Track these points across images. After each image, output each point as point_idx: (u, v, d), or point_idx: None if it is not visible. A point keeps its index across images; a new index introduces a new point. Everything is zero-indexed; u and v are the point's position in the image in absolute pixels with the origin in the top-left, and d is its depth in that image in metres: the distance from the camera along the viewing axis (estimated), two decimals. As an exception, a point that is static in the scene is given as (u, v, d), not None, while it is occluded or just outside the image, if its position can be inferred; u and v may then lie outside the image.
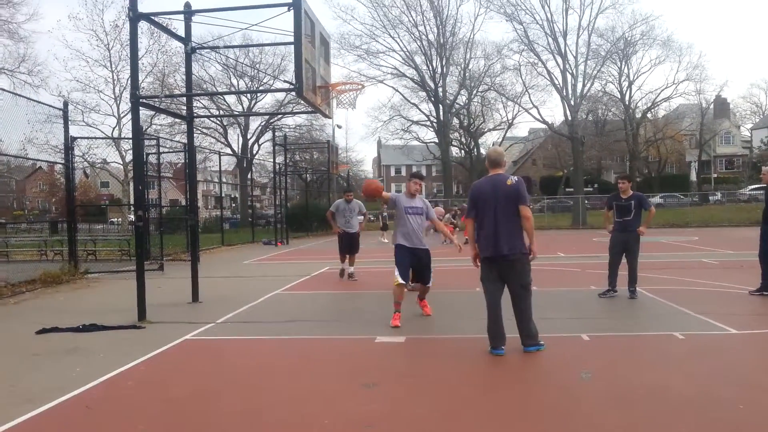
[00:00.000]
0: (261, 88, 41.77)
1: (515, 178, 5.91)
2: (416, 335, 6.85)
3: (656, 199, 46.00)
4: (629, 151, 53.19)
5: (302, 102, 9.38)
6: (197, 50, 10.61)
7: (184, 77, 10.12)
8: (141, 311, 7.96)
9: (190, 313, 8.65)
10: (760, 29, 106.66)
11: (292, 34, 8.11)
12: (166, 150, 25.05)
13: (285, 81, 27.08)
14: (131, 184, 20.45)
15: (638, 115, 51.37)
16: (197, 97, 39.96)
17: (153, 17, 9.01)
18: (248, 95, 45.07)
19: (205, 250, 20.42)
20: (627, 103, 50.44)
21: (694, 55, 73.12)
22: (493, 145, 56.96)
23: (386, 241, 23.74)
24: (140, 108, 8.84)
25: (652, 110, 51.99)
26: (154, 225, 17.20)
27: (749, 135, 67.62)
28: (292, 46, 8.20)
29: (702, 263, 13.74)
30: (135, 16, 8.36)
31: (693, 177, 59.46)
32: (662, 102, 51.12)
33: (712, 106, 59.13)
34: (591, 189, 52.10)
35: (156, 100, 9.72)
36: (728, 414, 4.17)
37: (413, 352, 6.24)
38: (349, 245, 11.79)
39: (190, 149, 9.95)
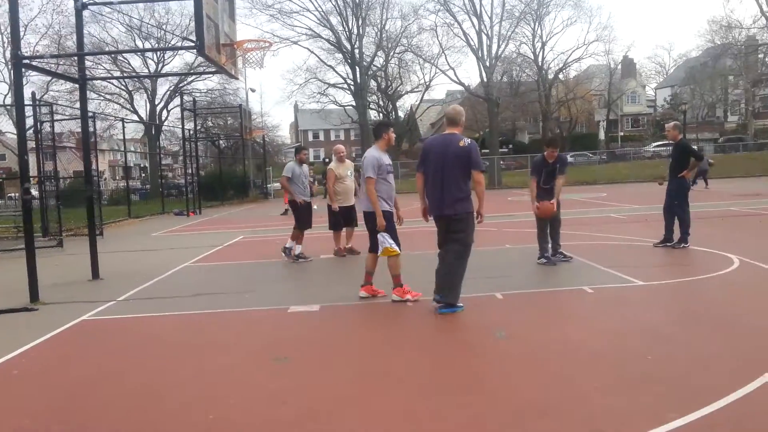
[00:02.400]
0: (162, 47, 39.51)
1: (468, 140, 5.79)
2: (331, 302, 6.64)
3: (567, 158, 47.44)
4: (542, 112, 54.45)
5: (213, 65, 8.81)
6: (88, 6, 9.78)
7: (84, 39, 9.28)
8: (33, 292, 7.33)
9: (89, 291, 8.07)
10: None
11: (191, -14, 7.54)
12: (66, 117, 23.52)
13: (186, 38, 25.67)
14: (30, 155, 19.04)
15: (551, 76, 52.53)
16: (98, 61, 37.61)
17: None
18: (155, 58, 42.70)
19: (111, 222, 19.36)
20: (540, 64, 51.40)
21: (604, 16, 75.33)
22: (411, 108, 57.02)
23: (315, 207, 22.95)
24: (30, 72, 8.06)
25: (564, 71, 53.19)
26: (54, 198, 16.07)
27: (653, 94, 70.85)
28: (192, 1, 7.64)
29: (610, 218, 14.23)
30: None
31: (601, 136, 61.76)
32: (573, 63, 52.34)
33: (619, 67, 61.29)
34: (506, 150, 53.19)
35: (42, 60, 8.87)
36: (638, 366, 4.21)
37: (327, 321, 6.02)
38: (310, 217, 9.99)
39: (83, 115, 9.20)
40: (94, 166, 21.12)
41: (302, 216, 9.71)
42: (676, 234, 9.15)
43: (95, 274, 8.89)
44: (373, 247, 6.49)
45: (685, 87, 57.23)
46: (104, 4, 11.13)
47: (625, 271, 7.44)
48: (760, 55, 43.43)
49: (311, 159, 76.09)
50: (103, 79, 36.08)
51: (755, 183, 25.06)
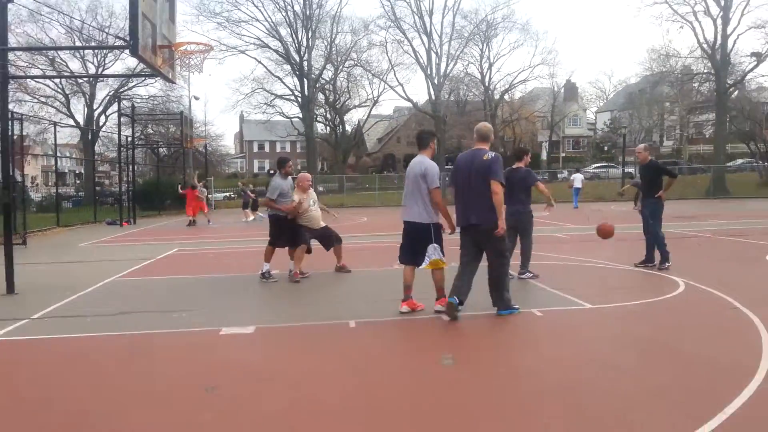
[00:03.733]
0: (93, 45, 38.03)
1: (492, 154, 6.06)
2: (267, 324, 6.20)
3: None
4: (487, 131, 55.08)
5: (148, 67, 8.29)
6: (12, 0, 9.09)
7: (20, 38, 8.58)
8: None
9: (0, 307, 7.34)
10: (607, 19, 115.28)
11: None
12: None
13: (119, 38, 24.71)
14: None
15: (497, 96, 53.39)
16: (34, 62, 35.90)
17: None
18: (95, 62, 41.20)
19: (37, 231, 18.26)
20: (487, 84, 52.23)
21: (550, 40, 77.52)
22: (358, 122, 56.95)
23: (252, 219, 22.61)
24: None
25: (510, 92, 54.27)
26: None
27: (594, 118, 73.02)
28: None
29: (555, 237, 14.21)
30: None
31: (544, 156, 63.10)
32: (519, 84, 53.52)
33: (562, 90, 62.98)
34: (452, 167, 53.58)
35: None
36: (591, 398, 3.98)
37: (262, 345, 5.59)
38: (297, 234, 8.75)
39: (2, 115, 8.47)
40: (23, 171, 19.96)
41: (284, 233, 8.72)
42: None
43: (10, 288, 8.13)
44: (407, 259, 6.38)
45: (624, 112, 59.16)
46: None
47: (573, 293, 7.28)
48: (695, 84, 45.15)
49: (255, 170, 75.08)
50: (28, 78, 34.27)
51: (690, 205, 25.81)
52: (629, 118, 57.02)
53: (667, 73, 46.08)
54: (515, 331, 5.87)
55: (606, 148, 65.83)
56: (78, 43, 38.65)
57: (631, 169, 38.91)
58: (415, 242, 6.31)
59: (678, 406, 3.82)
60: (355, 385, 4.38)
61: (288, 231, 8.70)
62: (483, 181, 5.97)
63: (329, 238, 9.18)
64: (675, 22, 39.30)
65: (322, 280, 8.77)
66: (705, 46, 38.26)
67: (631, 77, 72.19)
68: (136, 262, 11.15)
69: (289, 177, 8.92)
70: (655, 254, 9.16)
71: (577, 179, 29.21)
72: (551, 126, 62.62)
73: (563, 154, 66.80)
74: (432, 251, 6.19)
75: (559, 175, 51.06)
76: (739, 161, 48.16)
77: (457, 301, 6.05)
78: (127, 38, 7.38)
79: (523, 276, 8.35)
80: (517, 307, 6.31)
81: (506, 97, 54.31)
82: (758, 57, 37.58)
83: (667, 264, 8.97)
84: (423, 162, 6.29)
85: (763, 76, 62.52)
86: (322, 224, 9.08)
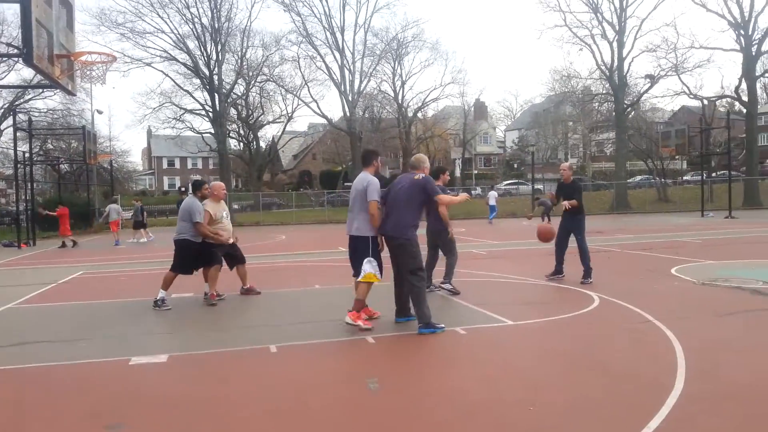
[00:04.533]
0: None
1: (422, 175, 6.58)
2: (181, 351, 5.84)
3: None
4: (402, 148, 55.93)
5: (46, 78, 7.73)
6: None
7: None
8: None
9: None
10: (512, 40, 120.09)
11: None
12: None
13: (11, 45, 23.29)
14: None
15: (410, 114, 54.23)
16: None
17: None
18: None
19: None
20: (400, 101, 52.96)
21: (459, 60, 79.92)
22: (273, 138, 56.22)
23: (145, 240, 21.70)
24: None
25: (422, 110, 55.26)
26: None
27: (503, 136, 75.66)
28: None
29: (471, 254, 14.41)
30: None
31: (457, 173, 64.59)
32: (431, 102, 54.58)
33: (472, 109, 64.89)
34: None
35: None
36: (522, 417, 3.95)
37: (176, 375, 5.23)
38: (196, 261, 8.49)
39: None
40: None
41: (189, 259, 8.27)
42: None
43: None
44: (357, 272, 6.50)
45: (531, 130, 61.67)
46: None
47: (494, 310, 7.33)
48: (596, 104, 47.78)
49: (165, 187, 72.51)
50: None
51: (595, 221, 26.85)
52: (536, 137, 59.48)
53: (569, 94, 48.49)
54: (440, 351, 5.80)
55: (516, 165, 68.30)
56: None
57: (540, 186, 40.43)
58: (357, 255, 6.54)
59: (605, 421, 3.85)
60: (281, 415, 4.15)
61: (198, 254, 8.31)
62: (408, 199, 6.40)
63: (235, 258, 8.86)
64: (575, 44, 41.44)
65: (238, 301, 8.43)
66: (603, 68, 40.62)
67: (536, 97, 75.90)
68: (37, 287, 10.33)
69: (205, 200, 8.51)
70: (564, 267, 9.63)
71: (491, 197, 30.37)
72: (463, 143, 64.27)
73: (476, 172, 68.66)
74: (370, 264, 6.38)
75: (472, 192, 52.39)
76: (639, 178, 51.17)
77: (409, 316, 6.66)
78: (21, 46, 6.84)
79: (444, 286, 8.41)
80: (442, 326, 6.34)
81: (419, 114, 55.27)
82: (651, 79, 40.24)
83: (589, 279, 9.28)
84: (366, 178, 6.59)
85: (656, 97, 67.22)
86: (231, 240, 8.75)
